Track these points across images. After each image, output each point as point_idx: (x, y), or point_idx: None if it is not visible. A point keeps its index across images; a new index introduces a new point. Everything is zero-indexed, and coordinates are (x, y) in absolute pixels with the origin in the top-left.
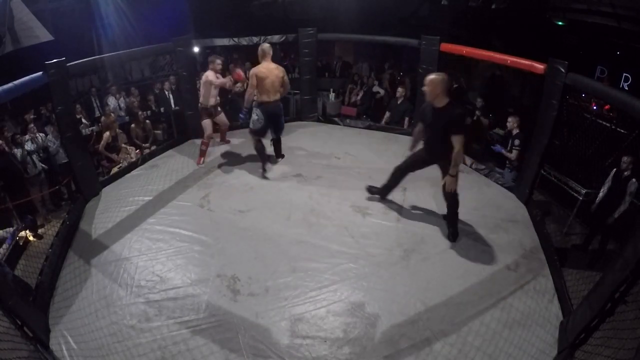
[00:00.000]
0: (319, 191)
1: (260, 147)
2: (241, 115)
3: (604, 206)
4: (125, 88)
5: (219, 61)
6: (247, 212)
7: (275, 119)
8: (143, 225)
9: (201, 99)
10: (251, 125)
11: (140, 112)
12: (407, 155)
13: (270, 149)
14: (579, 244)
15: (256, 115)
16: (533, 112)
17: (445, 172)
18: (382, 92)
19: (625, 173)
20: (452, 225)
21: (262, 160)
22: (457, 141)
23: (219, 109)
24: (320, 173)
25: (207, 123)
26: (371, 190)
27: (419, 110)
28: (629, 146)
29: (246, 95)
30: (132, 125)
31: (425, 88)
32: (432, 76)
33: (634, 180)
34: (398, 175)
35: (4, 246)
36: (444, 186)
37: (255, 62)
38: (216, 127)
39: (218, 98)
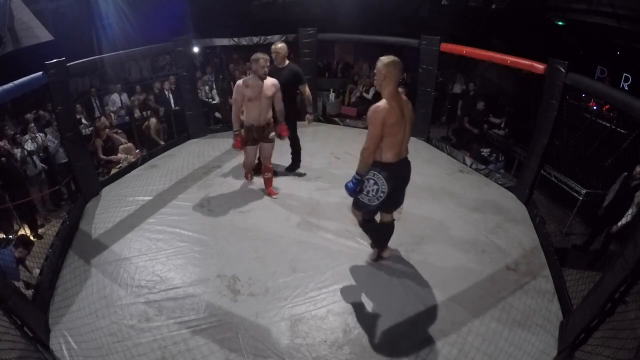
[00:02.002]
0: (319, 191)
1: (373, 231)
2: (350, 185)
3: (610, 210)
4: (128, 88)
5: (263, 60)
6: (247, 212)
7: (401, 191)
8: (143, 225)
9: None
10: (364, 199)
11: (159, 108)
12: None
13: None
14: (579, 245)
15: (375, 183)
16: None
17: None
18: (369, 96)
19: (635, 182)
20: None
21: (379, 248)
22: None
23: (269, 130)
24: (320, 173)
25: (248, 150)
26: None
27: None
28: (628, 146)
29: (365, 159)
30: (154, 120)
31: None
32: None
33: None
34: None
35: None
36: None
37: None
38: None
39: (271, 113)
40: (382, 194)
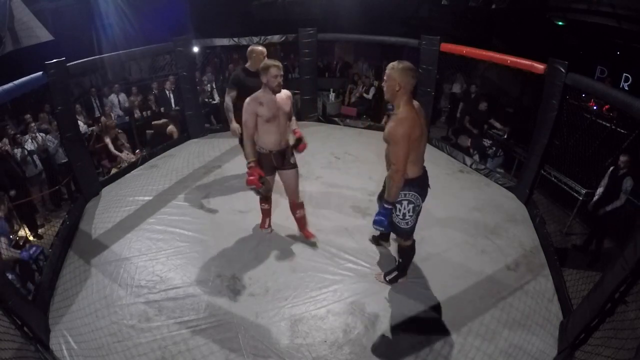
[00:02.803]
0: (319, 191)
1: (411, 255)
2: (381, 219)
3: (600, 204)
4: (126, 88)
5: (275, 69)
6: (247, 212)
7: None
8: (143, 225)
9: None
10: (403, 225)
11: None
12: None
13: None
14: (579, 245)
15: (410, 202)
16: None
17: None
18: (369, 96)
19: (622, 172)
20: None
21: (403, 270)
22: None
23: (290, 153)
24: (320, 173)
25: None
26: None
27: None
28: (628, 146)
29: (396, 184)
30: (168, 122)
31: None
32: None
33: (629, 177)
34: None
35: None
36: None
37: None
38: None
39: (291, 136)
40: (419, 209)
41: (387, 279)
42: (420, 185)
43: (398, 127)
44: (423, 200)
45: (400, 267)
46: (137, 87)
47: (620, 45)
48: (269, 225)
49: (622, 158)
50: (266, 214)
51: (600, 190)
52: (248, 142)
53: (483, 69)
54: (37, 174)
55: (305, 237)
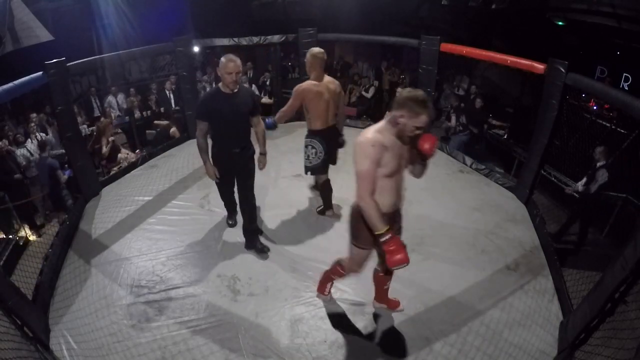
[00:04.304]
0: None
1: (328, 189)
2: (268, 121)
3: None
4: (126, 89)
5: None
6: None
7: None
8: (143, 225)
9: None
10: (307, 164)
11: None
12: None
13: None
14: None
15: (312, 147)
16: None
17: None
18: (368, 95)
19: (599, 163)
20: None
21: (327, 204)
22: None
23: (400, 219)
24: None
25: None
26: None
27: None
28: (605, 138)
29: (279, 113)
30: (170, 124)
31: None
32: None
33: (604, 170)
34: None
35: None
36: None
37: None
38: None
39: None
40: (321, 155)
41: (317, 211)
42: (322, 136)
43: (297, 88)
44: (325, 150)
45: (324, 201)
46: (136, 87)
47: (620, 45)
48: (329, 292)
49: (598, 149)
50: (327, 286)
51: (583, 182)
52: (373, 209)
53: (483, 69)
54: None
55: (391, 307)
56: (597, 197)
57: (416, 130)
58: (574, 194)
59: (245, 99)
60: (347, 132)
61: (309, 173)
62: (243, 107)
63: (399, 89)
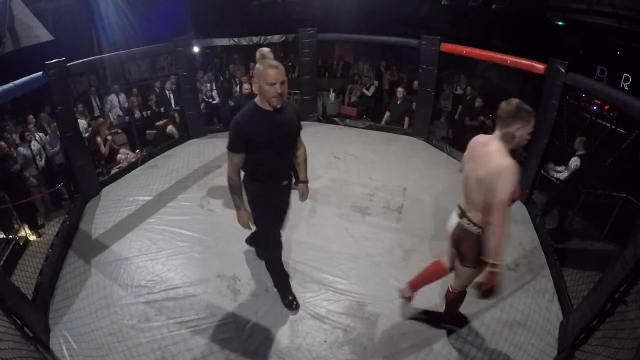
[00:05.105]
0: (319, 191)
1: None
2: None
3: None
4: (126, 88)
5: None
6: None
7: None
8: (143, 225)
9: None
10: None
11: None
12: None
13: None
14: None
15: None
16: None
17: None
18: (369, 93)
19: (577, 153)
20: None
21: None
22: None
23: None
24: (320, 173)
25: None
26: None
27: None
28: (586, 128)
29: None
30: (167, 122)
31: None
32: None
33: (577, 158)
34: None
35: None
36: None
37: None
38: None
39: None
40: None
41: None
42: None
43: None
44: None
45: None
46: (136, 87)
47: (620, 45)
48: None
49: (578, 139)
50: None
51: (565, 171)
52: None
53: (483, 69)
54: (37, 174)
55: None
56: (569, 183)
57: (529, 137)
58: (554, 179)
59: (291, 117)
60: (348, 132)
61: None
62: (291, 128)
63: (399, 89)
